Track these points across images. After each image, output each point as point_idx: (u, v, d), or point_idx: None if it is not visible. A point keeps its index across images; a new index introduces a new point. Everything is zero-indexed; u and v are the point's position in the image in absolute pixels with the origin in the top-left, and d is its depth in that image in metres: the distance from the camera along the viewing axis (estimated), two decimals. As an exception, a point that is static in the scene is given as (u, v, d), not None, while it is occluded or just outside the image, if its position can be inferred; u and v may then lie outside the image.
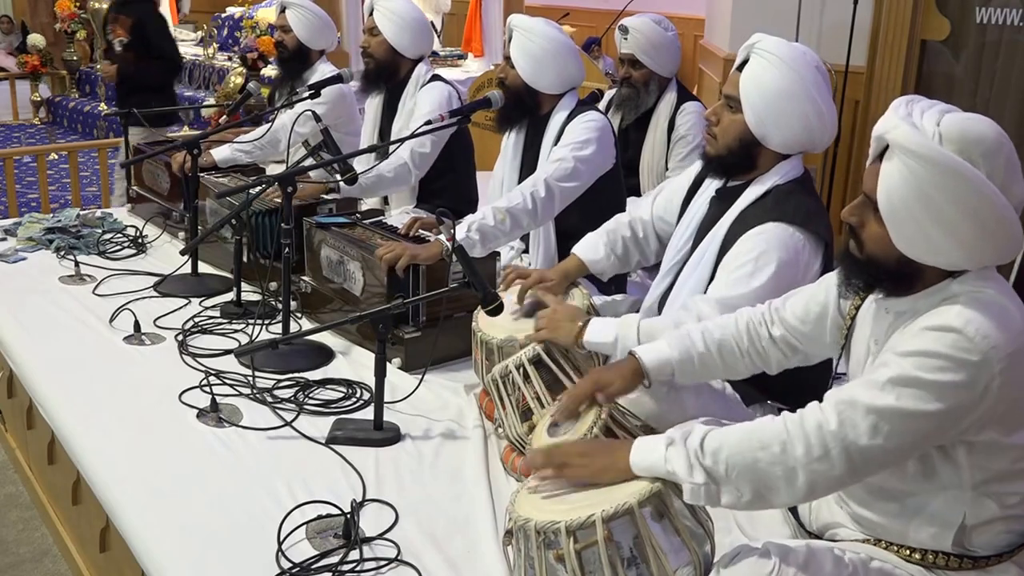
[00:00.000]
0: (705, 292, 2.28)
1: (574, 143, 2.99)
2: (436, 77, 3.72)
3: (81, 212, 3.96)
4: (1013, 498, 1.62)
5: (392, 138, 3.64)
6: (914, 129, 1.53)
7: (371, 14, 3.72)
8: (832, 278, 1.89)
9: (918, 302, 1.61)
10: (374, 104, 3.87)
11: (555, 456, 1.74)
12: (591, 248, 2.64)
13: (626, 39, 3.82)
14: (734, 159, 2.31)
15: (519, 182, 3.14)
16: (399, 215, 3.64)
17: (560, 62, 3.07)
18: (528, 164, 3.19)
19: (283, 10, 4.15)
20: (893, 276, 1.61)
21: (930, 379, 1.50)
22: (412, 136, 3.13)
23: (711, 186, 2.44)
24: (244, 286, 3.12)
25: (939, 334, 1.52)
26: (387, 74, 3.73)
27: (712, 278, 2.29)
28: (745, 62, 2.25)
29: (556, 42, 3.06)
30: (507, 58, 3.12)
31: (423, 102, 3.60)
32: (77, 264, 3.44)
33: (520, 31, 3.07)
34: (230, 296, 3.14)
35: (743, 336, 2.00)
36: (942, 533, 1.64)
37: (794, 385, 2.14)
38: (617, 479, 1.67)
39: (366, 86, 3.80)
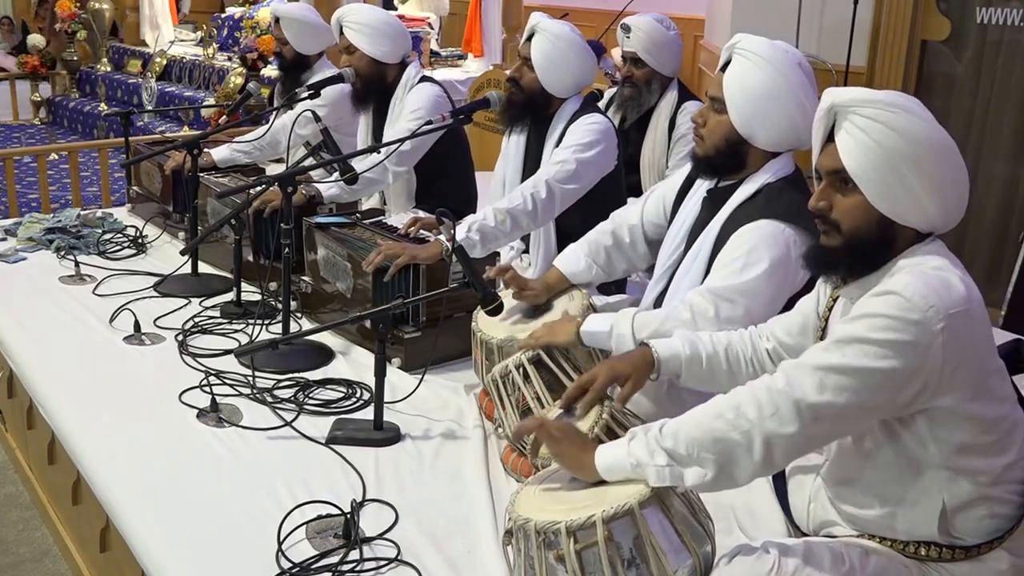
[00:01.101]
0: None
1: (576, 145, 2.98)
2: (425, 79, 3.71)
3: (81, 212, 3.96)
4: (985, 476, 1.63)
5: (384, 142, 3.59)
6: (860, 88, 1.63)
7: (342, 33, 3.67)
8: (813, 293, 1.92)
9: (871, 280, 1.65)
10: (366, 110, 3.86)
11: (535, 419, 1.80)
12: (572, 261, 2.62)
13: (628, 38, 3.81)
14: (722, 159, 2.32)
15: (522, 182, 3.14)
16: (398, 215, 3.64)
17: (581, 67, 3.06)
18: (531, 164, 3.18)
19: (276, 20, 4.16)
20: (875, 245, 1.64)
21: (874, 337, 1.54)
22: (413, 136, 3.13)
23: (703, 187, 2.45)
24: (244, 286, 3.13)
25: (880, 298, 1.57)
26: (376, 85, 3.69)
27: (706, 278, 2.29)
28: (728, 63, 2.26)
29: (580, 48, 3.05)
30: (526, 59, 3.08)
31: (410, 102, 3.59)
32: (77, 264, 3.44)
33: (545, 34, 3.02)
34: (230, 296, 3.14)
35: (747, 345, 2.02)
36: (927, 521, 1.65)
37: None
38: (576, 471, 1.71)
39: (359, 104, 3.73)
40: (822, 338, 1.83)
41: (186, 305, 3.14)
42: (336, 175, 3.32)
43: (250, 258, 3.21)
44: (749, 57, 2.22)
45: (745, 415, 1.59)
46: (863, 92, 1.63)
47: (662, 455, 1.61)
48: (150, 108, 7.64)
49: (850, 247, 1.66)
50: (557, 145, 3.05)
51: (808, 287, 2.17)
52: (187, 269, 3.35)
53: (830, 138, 1.66)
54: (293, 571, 1.86)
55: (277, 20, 4.16)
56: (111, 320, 3.02)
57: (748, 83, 2.22)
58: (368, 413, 2.41)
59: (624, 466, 1.64)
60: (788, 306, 2.16)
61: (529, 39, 3.07)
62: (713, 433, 1.60)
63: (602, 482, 1.69)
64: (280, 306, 2.88)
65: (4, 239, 3.77)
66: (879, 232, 1.64)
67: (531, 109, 3.12)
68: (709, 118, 2.31)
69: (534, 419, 1.82)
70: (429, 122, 3.03)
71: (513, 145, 3.28)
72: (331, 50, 4.29)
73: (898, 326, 1.53)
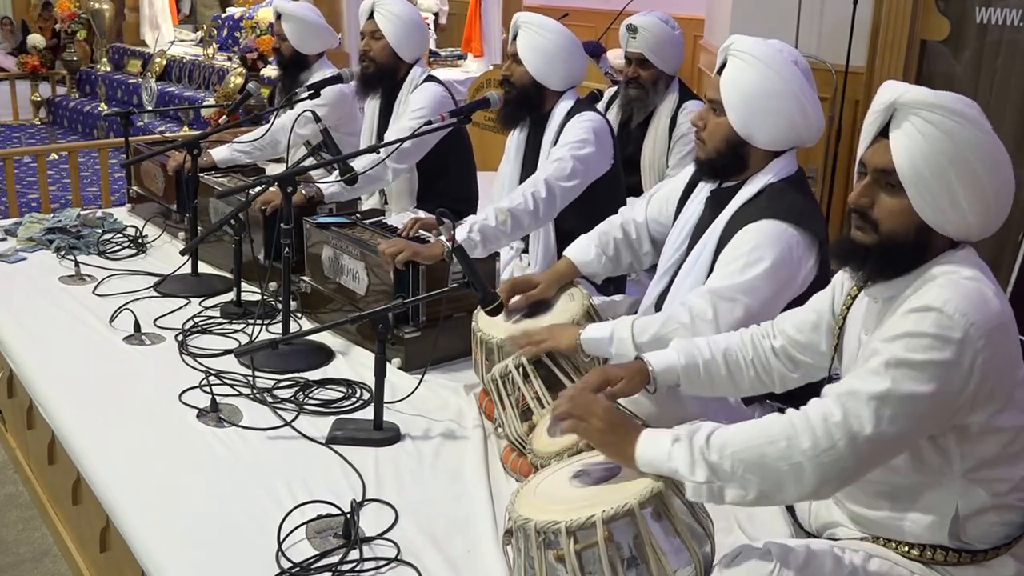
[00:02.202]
0: None
1: (572, 143, 2.99)
2: (430, 78, 3.72)
3: (81, 212, 3.96)
4: (1002, 485, 1.63)
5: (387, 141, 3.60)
6: (924, 88, 1.57)
7: (371, 16, 3.70)
8: (827, 291, 1.90)
9: (902, 285, 1.63)
10: (372, 107, 3.87)
11: (579, 405, 1.75)
12: (582, 251, 2.64)
13: (634, 39, 3.80)
14: (723, 161, 2.32)
15: (520, 182, 3.15)
16: (400, 215, 3.64)
17: (569, 57, 3.08)
18: (529, 163, 3.19)
19: (278, 17, 4.16)
20: (909, 250, 1.61)
21: (920, 359, 1.52)
22: (413, 136, 3.13)
23: (706, 188, 2.45)
24: (244, 286, 3.13)
25: (920, 314, 1.54)
26: (386, 77, 3.72)
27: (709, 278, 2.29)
28: (724, 64, 2.26)
29: (566, 37, 3.08)
30: (513, 56, 3.11)
31: (415, 100, 3.60)
32: (77, 264, 3.44)
33: (529, 27, 3.07)
34: (230, 296, 3.14)
35: (748, 347, 2.00)
36: (937, 525, 1.65)
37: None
38: (615, 459, 1.69)
39: (364, 89, 3.78)
40: (839, 337, 1.82)
41: (186, 305, 3.14)
42: (336, 175, 3.32)
43: (260, 257, 3.21)
44: (744, 58, 2.22)
45: (798, 447, 1.56)
46: (929, 94, 1.56)
47: (703, 470, 1.58)
48: (150, 108, 7.63)
49: (884, 248, 1.63)
50: (554, 143, 3.06)
51: (811, 288, 2.17)
52: (187, 269, 3.35)
53: (883, 133, 1.61)
54: (293, 571, 1.86)
55: (279, 16, 4.15)
56: (111, 320, 3.02)
57: (744, 84, 2.22)
58: (368, 413, 2.41)
59: (663, 468, 1.62)
60: (791, 306, 2.17)
61: (515, 39, 3.10)
62: (763, 459, 1.57)
63: (603, 481, 1.70)
64: (280, 306, 2.88)
65: (4, 239, 3.78)
66: (916, 238, 1.61)
67: (526, 105, 3.13)
68: (708, 120, 2.32)
69: (579, 403, 1.77)
70: (429, 122, 3.04)
71: (513, 145, 3.29)
72: (331, 51, 4.29)
73: (940, 345, 1.51)
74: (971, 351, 1.51)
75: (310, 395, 2.57)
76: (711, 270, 2.30)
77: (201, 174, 3.55)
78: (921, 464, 1.64)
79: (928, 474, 1.64)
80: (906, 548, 1.68)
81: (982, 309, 1.53)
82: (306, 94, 3.49)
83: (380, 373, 2.31)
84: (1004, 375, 1.57)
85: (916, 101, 1.56)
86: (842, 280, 1.86)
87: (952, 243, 1.63)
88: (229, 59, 7.84)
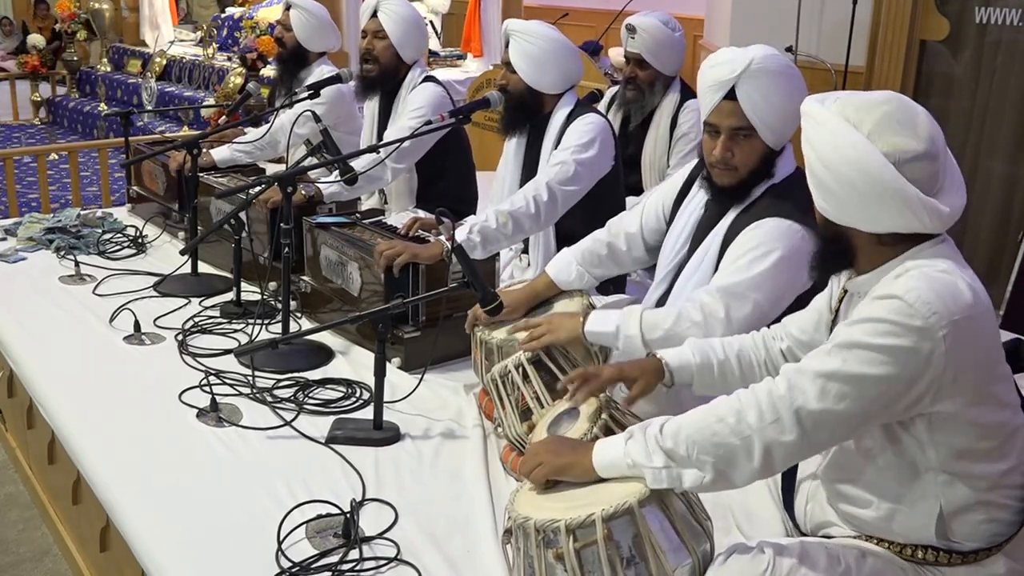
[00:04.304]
0: None
1: (574, 146, 2.98)
2: (429, 78, 3.72)
3: (81, 212, 3.96)
4: (982, 481, 1.63)
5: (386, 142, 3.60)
6: (815, 102, 1.65)
7: (374, 15, 3.70)
8: (826, 290, 1.92)
9: (875, 278, 1.65)
10: (372, 107, 3.87)
11: (528, 461, 1.79)
12: (563, 269, 2.61)
13: (633, 39, 3.80)
14: (755, 177, 2.29)
15: (520, 184, 3.14)
16: (399, 215, 3.64)
17: (561, 60, 3.07)
18: (529, 166, 3.19)
19: (287, 8, 4.15)
20: (829, 244, 1.69)
21: (875, 343, 1.54)
22: (413, 136, 3.13)
23: (703, 189, 2.44)
24: (244, 286, 3.13)
25: (883, 301, 1.56)
26: (388, 79, 3.72)
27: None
28: (732, 90, 2.19)
29: (555, 41, 3.07)
30: (507, 64, 3.11)
31: (414, 100, 3.60)
32: (77, 264, 3.44)
33: (518, 35, 3.06)
34: (230, 296, 3.14)
35: (760, 347, 2.02)
36: (923, 525, 1.65)
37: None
38: (581, 477, 1.70)
39: (364, 91, 3.77)
40: (832, 328, 1.83)
41: (186, 305, 3.15)
42: (336, 175, 3.32)
43: (264, 255, 3.21)
44: (762, 77, 2.18)
45: (746, 420, 1.59)
46: (806, 105, 1.66)
47: (660, 456, 1.61)
48: (150, 108, 7.64)
49: (825, 249, 1.71)
50: (555, 144, 3.06)
51: (817, 284, 2.17)
52: (187, 269, 3.35)
53: None
54: (293, 571, 1.86)
55: (288, 7, 4.13)
56: (111, 320, 3.02)
57: (774, 100, 2.19)
58: (368, 413, 2.41)
59: (620, 465, 1.64)
60: (799, 305, 2.17)
61: (507, 47, 3.09)
62: (714, 436, 1.60)
63: (602, 480, 1.70)
64: (280, 306, 2.88)
65: (4, 239, 3.78)
66: (832, 236, 1.67)
67: (525, 111, 3.13)
68: (736, 149, 2.25)
69: (527, 462, 1.81)
70: (429, 122, 3.04)
71: (513, 146, 3.28)
72: (331, 52, 4.29)
73: (898, 331, 1.52)
74: (930, 341, 1.51)
75: (310, 395, 2.57)
76: (716, 270, 2.30)
77: (201, 174, 3.56)
78: (901, 453, 1.65)
79: (908, 465, 1.65)
80: (898, 548, 1.69)
81: (948, 300, 1.53)
82: (306, 94, 3.50)
83: (380, 373, 2.31)
84: (973, 367, 1.56)
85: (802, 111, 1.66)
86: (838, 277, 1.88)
87: (922, 236, 1.62)
88: (229, 59, 7.84)
